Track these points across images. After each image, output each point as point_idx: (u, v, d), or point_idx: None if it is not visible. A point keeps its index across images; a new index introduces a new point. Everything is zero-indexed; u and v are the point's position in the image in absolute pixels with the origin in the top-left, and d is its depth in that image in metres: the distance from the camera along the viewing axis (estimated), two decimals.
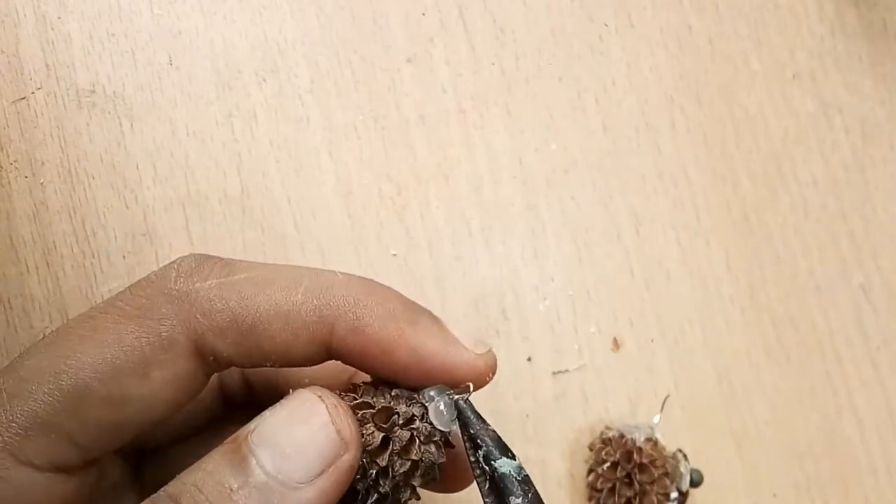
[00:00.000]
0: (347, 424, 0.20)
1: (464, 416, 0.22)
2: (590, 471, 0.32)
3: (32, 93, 0.32)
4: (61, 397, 0.20)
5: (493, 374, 0.23)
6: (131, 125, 0.32)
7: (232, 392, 0.26)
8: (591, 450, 0.33)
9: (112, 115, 0.32)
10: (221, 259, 0.23)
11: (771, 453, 0.34)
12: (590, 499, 0.32)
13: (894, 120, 0.36)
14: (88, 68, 0.32)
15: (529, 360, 0.33)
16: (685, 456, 0.32)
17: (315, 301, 0.22)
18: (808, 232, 0.35)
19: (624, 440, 0.32)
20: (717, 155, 0.35)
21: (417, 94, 0.34)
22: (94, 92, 0.32)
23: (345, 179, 0.33)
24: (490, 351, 0.23)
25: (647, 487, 0.31)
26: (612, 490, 0.31)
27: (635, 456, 0.31)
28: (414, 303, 0.23)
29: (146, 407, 0.21)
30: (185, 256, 0.23)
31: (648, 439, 0.32)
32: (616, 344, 0.34)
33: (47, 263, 0.31)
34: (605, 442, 0.32)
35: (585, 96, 0.35)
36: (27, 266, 0.31)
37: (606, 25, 0.35)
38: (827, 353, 0.35)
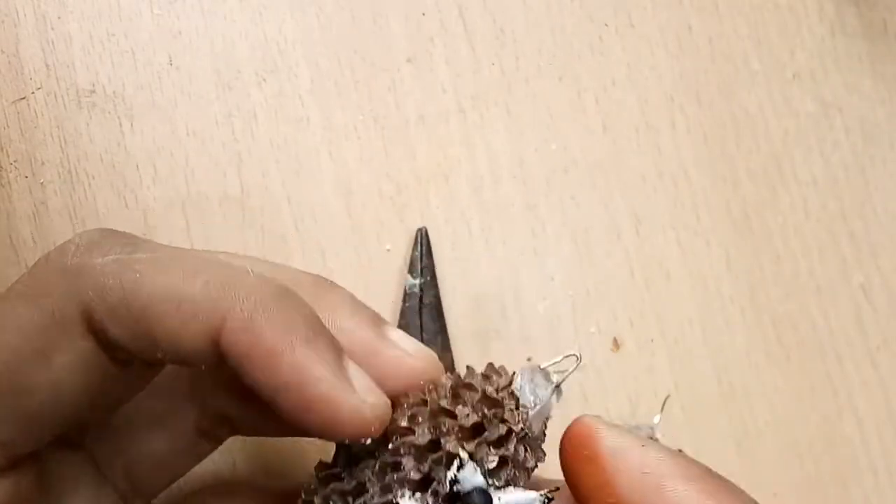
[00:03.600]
0: None
1: None
2: None
3: (32, 93, 0.32)
4: None
5: (379, 428, 0.20)
6: (131, 125, 0.32)
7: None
8: None
9: (112, 115, 0.32)
10: (128, 235, 0.22)
11: (771, 453, 0.34)
12: None
13: (894, 120, 0.36)
14: (88, 68, 0.32)
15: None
16: None
17: (214, 292, 0.20)
18: (808, 232, 0.35)
19: None
20: (717, 155, 0.35)
21: (417, 94, 0.34)
22: (94, 92, 0.32)
23: (345, 179, 0.33)
24: (383, 403, 0.21)
25: None
26: None
27: None
28: (324, 327, 0.21)
29: (56, 395, 0.20)
30: (90, 230, 0.22)
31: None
32: (616, 344, 0.34)
33: None
34: None
35: (585, 96, 0.35)
36: (27, 266, 0.31)
37: (606, 25, 0.35)
38: (827, 353, 0.35)
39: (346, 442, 0.21)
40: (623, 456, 0.21)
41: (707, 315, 0.34)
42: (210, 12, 0.33)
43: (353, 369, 0.21)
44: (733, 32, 0.36)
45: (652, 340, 0.34)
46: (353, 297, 0.23)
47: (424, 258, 0.32)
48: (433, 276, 0.32)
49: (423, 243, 0.32)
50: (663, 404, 0.33)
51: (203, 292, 0.20)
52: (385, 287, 0.33)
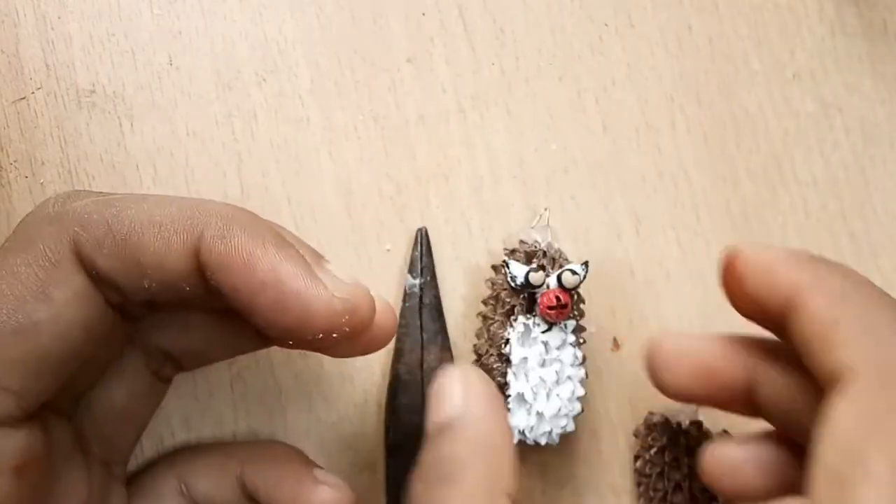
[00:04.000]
0: None
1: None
2: (636, 457, 0.33)
3: (32, 93, 0.32)
4: None
5: (356, 323, 0.23)
6: (131, 125, 0.32)
7: (128, 309, 0.25)
8: (636, 436, 0.33)
9: (112, 115, 0.32)
10: (98, 191, 0.23)
11: None
12: (638, 484, 0.32)
13: (894, 120, 0.36)
14: (88, 68, 0.32)
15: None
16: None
17: (188, 212, 0.22)
18: (808, 232, 0.35)
19: (669, 424, 0.32)
20: (717, 155, 0.35)
21: (417, 94, 0.34)
22: (94, 92, 0.32)
23: (345, 179, 0.33)
24: (359, 296, 0.23)
25: (696, 470, 0.31)
26: (661, 474, 0.32)
27: (682, 439, 0.32)
28: (290, 239, 0.23)
29: (60, 332, 0.21)
30: (70, 191, 0.23)
31: (693, 422, 0.32)
32: (616, 344, 0.34)
33: None
34: (650, 427, 0.32)
35: (585, 96, 0.35)
36: None
37: (606, 25, 0.35)
38: None
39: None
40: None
41: (707, 315, 0.34)
42: (210, 12, 0.33)
43: (322, 272, 0.23)
44: (733, 32, 0.36)
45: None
46: (281, 227, 0.25)
47: (424, 258, 0.32)
48: (433, 276, 0.32)
49: (423, 243, 0.32)
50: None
51: (179, 214, 0.22)
52: (385, 287, 0.33)
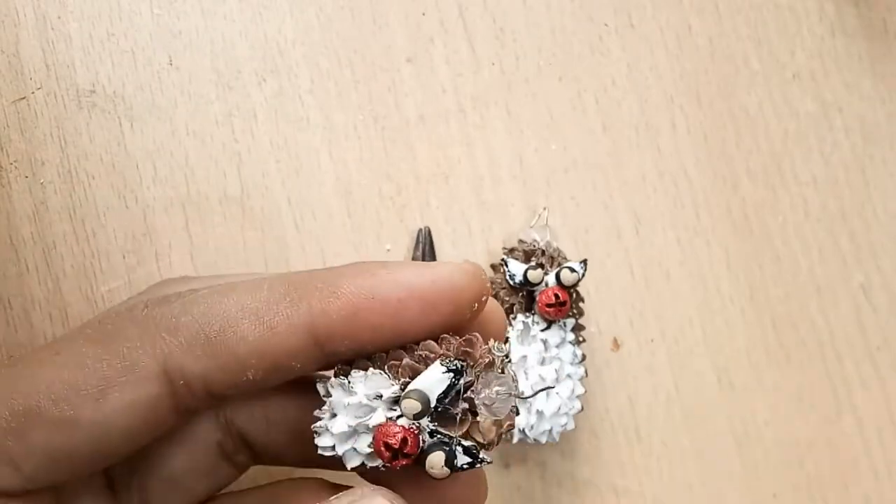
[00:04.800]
0: None
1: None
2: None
3: (32, 93, 0.32)
4: (11, 418, 0.19)
5: (487, 279, 0.21)
6: (131, 125, 0.32)
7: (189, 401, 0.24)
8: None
9: (112, 115, 0.32)
10: (184, 277, 0.22)
11: (771, 453, 0.34)
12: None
13: (894, 120, 0.36)
14: (88, 68, 0.32)
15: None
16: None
17: (281, 290, 0.21)
18: (808, 232, 0.35)
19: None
20: (717, 155, 0.35)
21: (417, 94, 0.34)
22: (94, 92, 0.32)
23: (345, 179, 0.33)
24: (470, 261, 0.22)
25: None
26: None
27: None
28: (378, 260, 0.22)
29: (98, 434, 0.20)
30: (154, 284, 0.22)
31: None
32: (616, 344, 0.34)
33: (47, 263, 0.31)
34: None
35: (585, 96, 0.35)
36: (27, 266, 0.31)
37: (606, 25, 0.35)
38: (827, 353, 0.35)
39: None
40: None
41: (707, 315, 0.34)
42: (210, 12, 0.33)
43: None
44: (733, 32, 0.36)
45: (652, 340, 0.34)
46: None
47: (427, 257, 0.32)
48: None
49: (425, 242, 0.33)
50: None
51: (274, 293, 0.20)
52: None
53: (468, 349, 0.20)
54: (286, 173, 0.33)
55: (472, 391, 0.20)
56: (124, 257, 0.32)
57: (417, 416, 0.19)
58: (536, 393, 0.25)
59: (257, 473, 0.27)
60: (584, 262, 0.31)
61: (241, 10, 0.33)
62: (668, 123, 0.35)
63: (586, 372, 0.31)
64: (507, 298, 0.31)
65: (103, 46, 0.33)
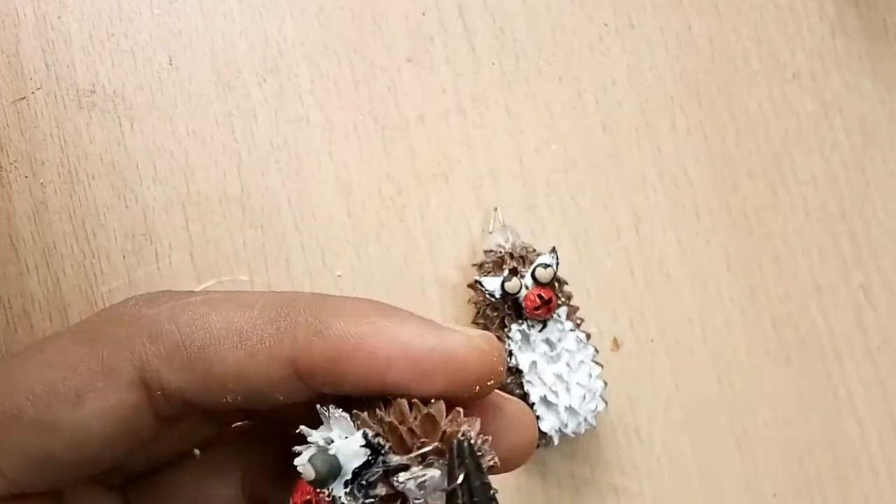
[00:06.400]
0: None
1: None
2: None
3: (32, 93, 0.32)
4: None
5: (501, 360, 0.19)
6: (131, 125, 0.32)
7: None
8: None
9: (112, 115, 0.32)
10: (185, 292, 0.21)
11: (771, 453, 0.34)
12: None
13: (894, 120, 0.36)
14: (88, 68, 0.32)
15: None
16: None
17: (272, 313, 0.19)
18: (808, 232, 0.35)
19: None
20: (717, 155, 0.35)
21: (417, 94, 0.34)
22: (94, 92, 0.32)
23: (345, 179, 0.33)
24: (486, 334, 0.19)
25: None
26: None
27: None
28: (392, 307, 0.20)
29: (76, 440, 0.19)
30: (152, 292, 0.21)
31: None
32: (616, 344, 0.34)
33: (47, 263, 0.31)
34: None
35: (585, 96, 0.35)
36: (27, 266, 0.31)
37: (606, 25, 0.35)
38: (827, 353, 0.35)
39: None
40: None
41: (707, 315, 0.34)
42: (210, 12, 0.33)
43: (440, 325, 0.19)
44: (733, 32, 0.36)
45: (652, 340, 0.34)
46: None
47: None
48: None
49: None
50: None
51: (261, 318, 0.19)
52: (384, 286, 0.33)
53: (426, 424, 0.18)
54: (286, 173, 0.33)
55: (396, 479, 0.17)
56: (124, 257, 0.32)
57: (314, 484, 0.17)
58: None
59: None
60: (554, 250, 0.31)
61: (241, 10, 0.33)
62: (668, 123, 0.35)
63: (596, 350, 0.32)
64: (493, 314, 0.31)
65: (103, 46, 0.33)
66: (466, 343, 0.18)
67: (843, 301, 0.35)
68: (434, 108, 0.34)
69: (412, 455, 0.17)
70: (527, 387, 0.30)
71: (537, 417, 0.30)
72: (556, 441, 0.31)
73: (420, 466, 0.17)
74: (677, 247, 0.35)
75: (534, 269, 0.30)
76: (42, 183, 0.32)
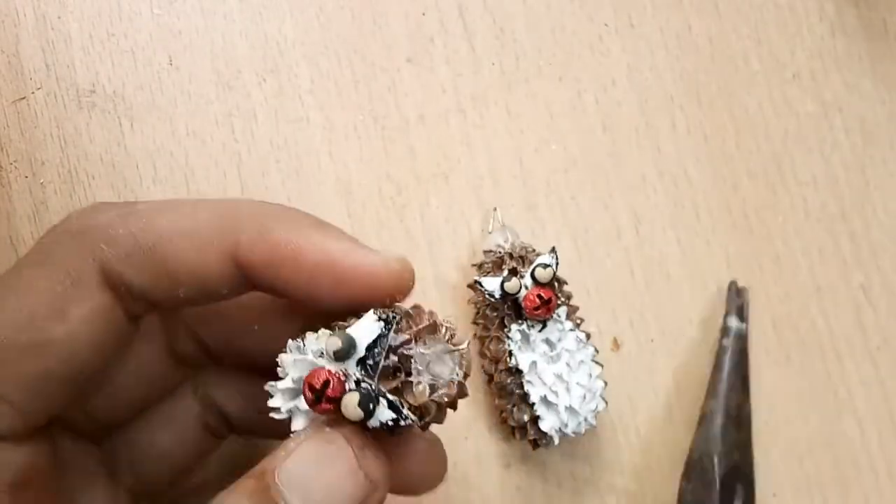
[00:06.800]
0: (376, 466, 0.20)
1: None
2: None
3: (32, 93, 0.32)
4: None
5: (413, 280, 0.22)
6: (131, 125, 0.32)
7: (184, 355, 0.25)
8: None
9: (112, 115, 0.32)
10: (122, 202, 0.23)
11: (771, 453, 0.34)
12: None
13: (894, 120, 0.36)
14: (88, 68, 0.32)
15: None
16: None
17: (219, 216, 0.22)
18: (808, 232, 0.35)
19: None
20: (717, 155, 0.35)
21: (417, 94, 0.34)
22: (94, 92, 0.32)
23: (345, 179, 0.33)
24: (406, 259, 0.22)
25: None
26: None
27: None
28: (324, 221, 0.23)
29: (70, 351, 0.21)
30: (90, 205, 0.23)
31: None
32: (616, 344, 0.34)
33: None
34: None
35: (585, 96, 0.35)
36: None
37: (606, 25, 0.35)
38: (827, 353, 0.35)
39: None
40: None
41: (707, 315, 0.34)
42: (210, 12, 0.33)
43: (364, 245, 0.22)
44: (733, 32, 0.36)
45: (652, 340, 0.34)
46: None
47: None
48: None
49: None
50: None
51: (209, 220, 0.21)
52: None
53: (410, 312, 0.21)
54: (286, 173, 0.33)
55: (405, 348, 0.20)
56: None
57: (339, 355, 0.19)
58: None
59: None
60: (554, 250, 0.31)
61: (241, 10, 0.33)
62: (668, 123, 0.35)
63: (596, 350, 0.31)
64: (494, 314, 0.31)
65: (103, 46, 0.33)
66: (384, 264, 0.21)
67: (843, 301, 0.35)
68: (434, 108, 0.34)
69: (413, 329, 0.20)
70: (527, 387, 0.30)
71: (538, 417, 0.30)
72: (556, 441, 0.31)
73: (424, 339, 0.21)
74: (677, 247, 0.35)
75: (533, 269, 0.30)
76: (42, 183, 0.32)
